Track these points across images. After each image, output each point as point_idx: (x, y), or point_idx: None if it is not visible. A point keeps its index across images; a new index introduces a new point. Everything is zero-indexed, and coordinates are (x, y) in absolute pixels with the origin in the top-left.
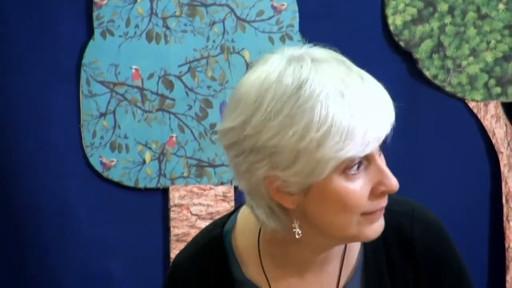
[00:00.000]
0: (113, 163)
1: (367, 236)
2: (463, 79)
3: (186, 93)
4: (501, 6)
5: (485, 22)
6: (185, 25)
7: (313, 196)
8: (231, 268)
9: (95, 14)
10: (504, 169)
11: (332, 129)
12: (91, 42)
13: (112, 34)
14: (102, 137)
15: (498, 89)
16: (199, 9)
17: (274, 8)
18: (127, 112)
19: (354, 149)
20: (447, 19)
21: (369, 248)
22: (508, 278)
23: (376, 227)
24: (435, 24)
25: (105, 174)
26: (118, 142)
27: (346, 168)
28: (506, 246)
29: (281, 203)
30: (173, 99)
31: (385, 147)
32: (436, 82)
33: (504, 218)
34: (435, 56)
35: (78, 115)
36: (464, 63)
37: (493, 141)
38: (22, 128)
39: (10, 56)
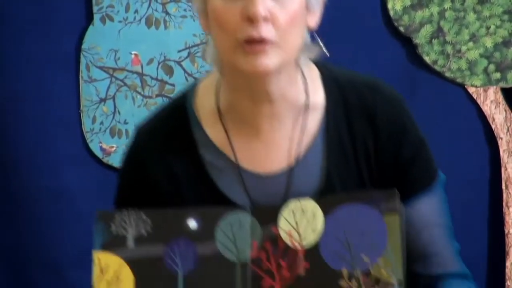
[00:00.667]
0: (113, 149)
1: (244, 67)
2: (463, 65)
3: (186, 78)
4: None
5: (484, 7)
6: (185, 10)
7: (209, 17)
8: (193, 130)
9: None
10: (503, 155)
11: None
12: (90, 27)
13: (111, 19)
14: (101, 123)
15: (497, 75)
16: None
17: None
18: (126, 97)
19: None
20: (447, 4)
21: (330, 115)
22: (508, 264)
23: (251, 61)
24: (434, 9)
25: (105, 160)
26: (118, 128)
27: None
28: (506, 232)
29: (203, 28)
30: (172, 85)
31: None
32: (436, 67)
33: (504, 204)
34: (434, 41)
35: (78, 100)
36: (463, 48)
37: (493, 126)
38: (21, 113)
39: (10, 41)
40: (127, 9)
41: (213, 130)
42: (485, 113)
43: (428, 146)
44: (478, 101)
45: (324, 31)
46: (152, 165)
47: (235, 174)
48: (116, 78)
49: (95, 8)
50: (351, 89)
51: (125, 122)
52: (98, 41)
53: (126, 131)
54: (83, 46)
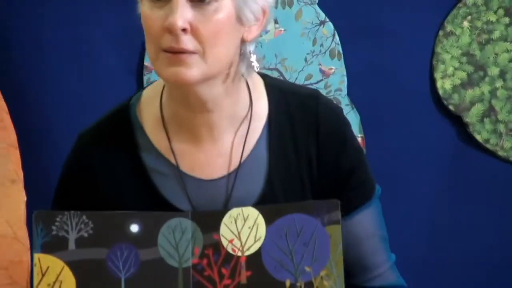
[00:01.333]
0: None
1: (166, 76)
2: None
3: None
4: None
5: None
6: None
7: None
8: (135, 135)
9: (145, 78)
10: None
11: None
12: None
13: None
14: None
15: None
16: None
17: (322, 72)
18: None
19: None
20: (498, 83)
21: (273, 123)
22: None
23: (172, 72)
24: (485, 88)
25: None
26: None
27: None
28: None
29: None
30: None
31: (434, 212)
32: (488, 146)
33: None
34: (486, 120)
35: None
36: None
37: None
38: None
39: (62, 109)
40: None
41: (156, 136)
42: None
43: (366, 157)
44: None
45: (374, 109)
46: (93, 169)
47: (177, 179)
48: None
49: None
50: (294, 98)
51: None
52: None
53: None
54: None
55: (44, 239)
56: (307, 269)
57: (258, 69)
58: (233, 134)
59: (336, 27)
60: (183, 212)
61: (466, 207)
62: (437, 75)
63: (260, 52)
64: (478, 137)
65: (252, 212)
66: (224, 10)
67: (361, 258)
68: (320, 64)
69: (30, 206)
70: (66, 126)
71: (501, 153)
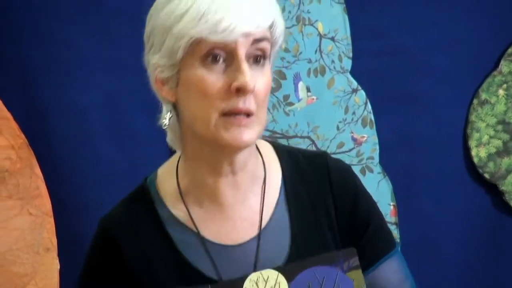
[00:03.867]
0: None
1: (225, 139)
2: None
3: None
4: None
5: None
6: None
7: (181, 85)
8: (157, 209)
9: None
10: None
11: (192, 8)
12: None
13: None
14: None
15: None
16: (281, 141)
17: (354, 140)
18: None
19: (206, 31)
20: None
21: (288, 184)
22: None
23: (234, 134)
24: None
25: None
26: None
27: (206, 56)
28: None
29: (164, 96)
30: None
31: (469, 284)
32: None
33: None
34: None
35: None
36: None
37: None
38: None
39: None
40: None
41: (176, 209)
42: None
43: (375, 203)
44: None
45: (406, 177)
46: (120, 248)
47: (202, 247)
48: None
49: None
50: (304, 158)
51: None
52: None
53: None
54: None
55: None
56: None
57: None
58: (253, 195)
59: (368, 95)
60: (202, 286)
61: (504, 279)
62: (472, 143)
63: (292, 120)
64: None
65: (271, 273)
66: (270, 70)
67: None
68: (352, 132)
69: (63, 274)
70: (98, 194)
71: None
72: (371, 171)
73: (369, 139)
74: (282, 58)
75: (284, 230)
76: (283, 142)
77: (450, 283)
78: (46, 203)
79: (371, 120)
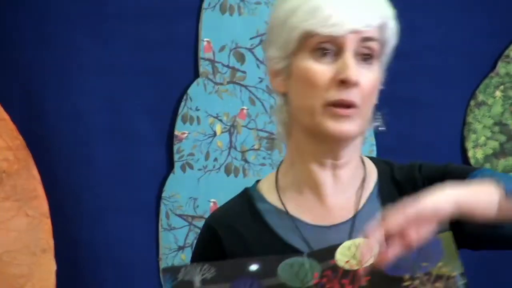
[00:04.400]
0: None
1: (329, 128)
2: None
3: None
4: None
5: None
6: (263, 158)
7: (292, 77)
8: (255, 204)
9: (175, 147)
10: None
11: (305, 3)
12: (171, 175)
13: (191, 167)
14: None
15: None
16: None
17: None
18: None
19: (317, 24)
20: None
21: (383, 182)
22: None
23: (338, 125)
24: None
25: None
26: None
27: (315, 48)
28: None
29: (276, 87)
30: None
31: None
32: None
33: None
34: None
35: (157, 248)
36: None
37: None
38: (98, 259)
39: (94, 186)
40: (206, 157)
41: (274, 200)
42: None
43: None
44: None
45: None
46: (219, 235)
47: (296, 229)
48: (195, 226)
49: (176, 156)
50: (396, 165)
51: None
52: (178, 189)
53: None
54: (164, 194)
55: (172, 283)
56: (424, 264)
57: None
58: (352, 189)
59: None
60: (300, 253)
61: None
62: (469, 144)
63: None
64: None
65: (363, 240)
66: (379, 69)
67: None
68: None
69: (60, 275)
70: (95, 196)
71: None
72: None
73: (367, 140)
74: None
75: (377, 214)
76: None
77: None
78: (43, 204)
79: None
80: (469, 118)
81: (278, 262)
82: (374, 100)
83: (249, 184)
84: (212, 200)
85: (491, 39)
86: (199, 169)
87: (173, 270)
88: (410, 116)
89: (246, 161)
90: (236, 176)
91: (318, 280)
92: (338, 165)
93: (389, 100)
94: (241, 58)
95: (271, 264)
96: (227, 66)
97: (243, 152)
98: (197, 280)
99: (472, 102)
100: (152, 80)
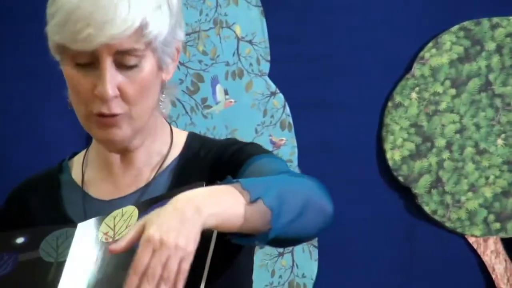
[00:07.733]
0: None
1: (98, 137)
2: (462, 215)
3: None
4: (499, 142)
5: (483, 157)
6: None
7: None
8: (60, 176)
9: None
10: None
11: (58, 12)
12: None
13: None
14: None
15: (497, 225)
16: None
17: (273, 143)
18: None
19: (67, 39)
20: (445, 155)
21: (185, 156)
22: None
23: (106, 133)
24: (433, 159)
25: None
26: None
27: (74, 58)
28: None
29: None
30: None
31: (384, 284)
32: (436, 217)
33: None
34: (434, 191)
35: None
36: (463, 198)
37: (493, 276)
38: None
39: None
40: None
41: (76, 174)
42: (486, 263)
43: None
44: (478, 251)
45: (324, 180)
46: (13, 211)
47: (82, 203)
48: None
49: None
50: (211, 142)
51: None
52: None
53: None
54: None
55: None
56: None
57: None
58: (147, 168)
59: (286, 98)
60: (72, 224)
61: (415, 277)
62: (387, 146)
63: (210, 123)
64: (426, 209)
65: (129, 209)
66: (147, 67)
67: None
68: (270, 135)
69: None
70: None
71: (448, 224)
72: None
73: (288, 142)
74: (200, 61)
75: (163, 190)
76: None
77: (367, 284)
78: None
79: (289, 123)
80: (387, 120)
81: (46, 234)
82: (152, 94)
83: None
84: None
85: (407, 41)
86: None
87: None
88: (331, 117)
89: None
90: None
91: None
92: (128, 149)
93: (310, 101)
94: None
95: (37, 236)
96: None
97: None
98: None
99: (389, 104)
100: None
